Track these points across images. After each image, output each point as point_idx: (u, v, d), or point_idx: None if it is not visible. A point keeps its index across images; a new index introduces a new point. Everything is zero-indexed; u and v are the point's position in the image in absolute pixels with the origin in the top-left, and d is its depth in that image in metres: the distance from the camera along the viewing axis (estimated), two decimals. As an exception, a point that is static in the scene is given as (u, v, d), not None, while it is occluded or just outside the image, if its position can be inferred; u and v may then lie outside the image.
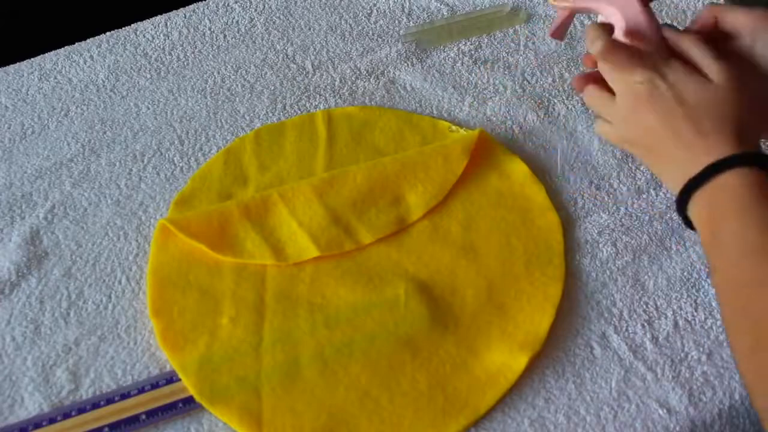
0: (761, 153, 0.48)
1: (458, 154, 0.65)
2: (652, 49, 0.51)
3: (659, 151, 0.51)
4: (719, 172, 0.47)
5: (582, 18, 0.78)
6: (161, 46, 0.77)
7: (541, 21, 0.78)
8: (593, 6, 0.57)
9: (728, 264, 0.46)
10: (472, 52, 0.76)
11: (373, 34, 0.78)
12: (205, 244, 0.59)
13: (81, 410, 0.52)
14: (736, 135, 0.48)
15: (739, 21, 0.52)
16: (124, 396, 0.53)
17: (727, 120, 0.48)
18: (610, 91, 0.53)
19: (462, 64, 0.75)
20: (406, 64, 0.75)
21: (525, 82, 0.73)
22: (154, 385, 0.53)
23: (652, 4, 0.54)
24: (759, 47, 0.51)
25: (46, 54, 0.76)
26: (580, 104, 0.71)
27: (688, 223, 0.50)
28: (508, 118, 0.70)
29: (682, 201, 0.49)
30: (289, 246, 0.60)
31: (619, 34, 0.54)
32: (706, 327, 0.56)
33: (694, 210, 0.48)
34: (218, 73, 0.74)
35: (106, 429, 0.51)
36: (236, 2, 0.81)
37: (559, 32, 0.61)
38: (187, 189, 0.65)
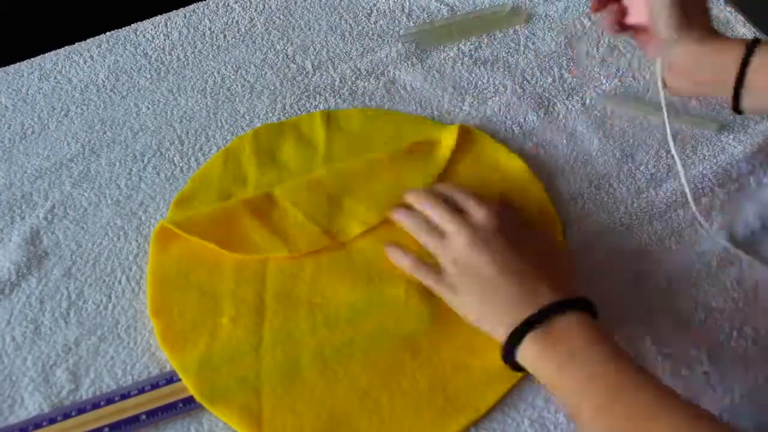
0: (587, 299, 0.51)
1: (447, 135, 0.66)
2: None
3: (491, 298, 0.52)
4: (557, 314, 0.49)
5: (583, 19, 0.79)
6: (161, 46, 0.77)
7: (541, 21, 0.78)
8: None
9: (599, 401, 0.46)
10: (472, 52, 0.76)
11: (373, 34, 0.78)
12: (212, 242, 0.59)
13: (81, 410, 0.52)
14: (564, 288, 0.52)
15: None
16: (124, 396, 0.53)
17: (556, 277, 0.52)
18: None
19: (462, 64, 0.75)
20: (406, 64, 0.75)
21: (525, 82, 0.73)
22: (154, 385, 0.53)
23: None
24: None
25: (46, 54, 0.76)
26: (580, 104, 0.71)
27: (515, 365, 0.51)
28: (508, 118, 0.70)
29: (514, 341, 0.50)
30: (300, 237, 0.60)
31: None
32: (705, 327, 0.56)
33: (528, 351, 0.49)
34: (218, 73, 0.74)
35: (106, 429, 0.51)
36: (236, 2, 0.81)
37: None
38: (187, 189, 0.65)
